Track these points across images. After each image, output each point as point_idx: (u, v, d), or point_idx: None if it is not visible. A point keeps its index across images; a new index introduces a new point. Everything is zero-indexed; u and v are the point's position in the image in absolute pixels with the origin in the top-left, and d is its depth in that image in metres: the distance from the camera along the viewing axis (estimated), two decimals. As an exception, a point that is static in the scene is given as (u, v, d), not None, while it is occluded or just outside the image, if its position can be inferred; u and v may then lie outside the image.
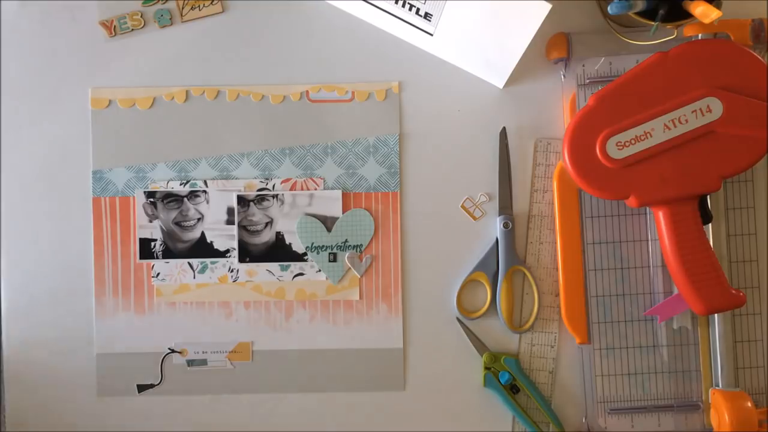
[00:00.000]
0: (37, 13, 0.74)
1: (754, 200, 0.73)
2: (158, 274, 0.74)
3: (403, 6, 0.70)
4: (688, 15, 0.66)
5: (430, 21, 0.70)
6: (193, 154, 0.75)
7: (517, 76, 0.73)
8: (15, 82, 0.74)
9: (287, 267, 0.74)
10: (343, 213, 0.74)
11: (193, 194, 0.74)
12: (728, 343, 0.71)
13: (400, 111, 0.75)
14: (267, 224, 0.74)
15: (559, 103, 0.74)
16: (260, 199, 0.74)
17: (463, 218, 0.74)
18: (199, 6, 0.74)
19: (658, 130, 0.65)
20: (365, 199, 0.75)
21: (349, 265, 0.74)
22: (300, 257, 0.74)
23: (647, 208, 0.73)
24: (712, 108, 0.65)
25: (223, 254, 0.74)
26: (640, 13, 0.67)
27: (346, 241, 0.74)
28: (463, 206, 0.74)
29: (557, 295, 0.74)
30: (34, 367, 0.74)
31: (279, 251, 0.74)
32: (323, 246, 0.74)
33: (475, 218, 0.74)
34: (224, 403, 0.74)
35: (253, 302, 0.75)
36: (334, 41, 0.75)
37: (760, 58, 0.66)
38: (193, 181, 0.74)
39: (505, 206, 0.74)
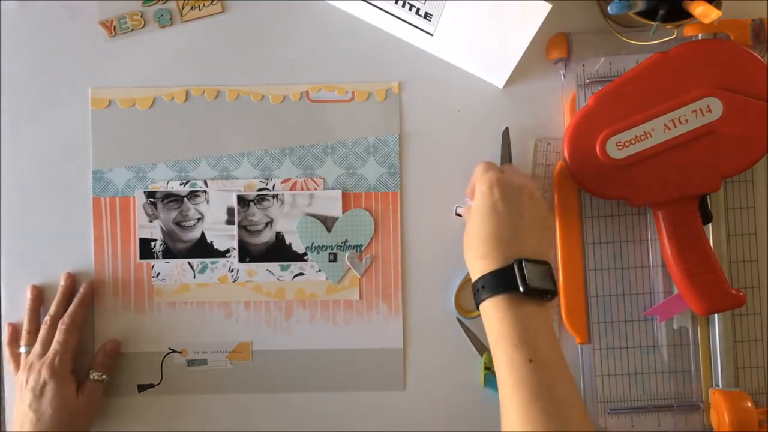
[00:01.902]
0: (37, 13, 0.74)
1: (754, 200, 0.73)
2: (158, 274, 0.74)
3: (403, 6, 0.70)
4: (688, 15, 0.66)
5: (430, 21, 0.70)
6: (193, 154, 0.75)
7: (517, 76, 0.73)
8: (15, 82, 0.74)
9: (287, 267, 0.75)
10: (343, 213, 0.74)
11: (193, 194, 0.74)
12: (728, 343, 0.71)
13: (400, 111, 0.75)
14: (267, 224, 0.75)
15: (559, 103, 0.74)
16: (260, 199, 0.74)
17: (463, 218, 0.74)
18: (199, 6, 0.74)
19: (658, 130, 0.65)
20: (365, 199, 0.75)
21: (349, 265, 0.74)
22: (300, 257, 0.74)
23: (647, 208, 0.73)
24: (712, 108, 0.65)
25: (223, 254, 0.74)
26: (640, 13, 0.67)
27: (346, 241, 0.74)
28: (457, 214, 0.74)
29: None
30: (34, 367, 0.74)
31: (279, 251, 0.74)
32: (323, 246, 0.74)
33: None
34: (224, 403, 0.74)
35: (253, 302, 0.75)
36: (334, 41, 0.75)
37: (760, 58, 0.66)
38: (193, 181, 0.74)
39: (505, 206, 0.74)
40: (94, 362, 0.72)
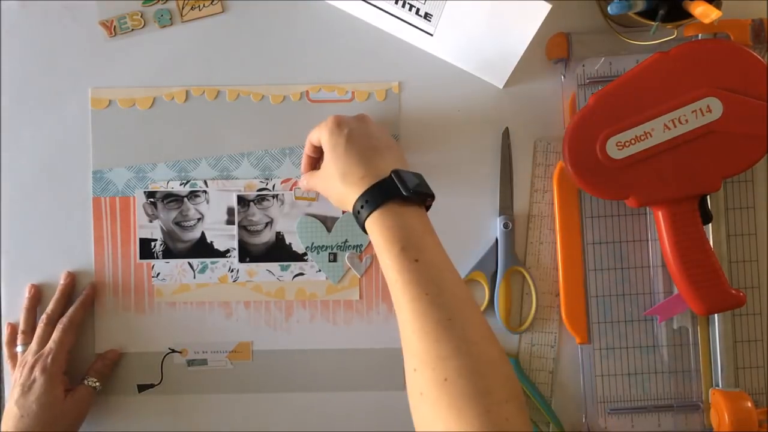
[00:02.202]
0: (37, 13, 0.74)
1: (754, 200, 0.73)
2: (158, 274, 0.74)
3: (403, 6, 0.70)
4: (688, 15, 0.66)
5: (430, 21, 0.70)
6: (193, 154, 0.75)
7: (517, 76, 0.73)
8: (15, 82, 0.74)
9: (287, 267, 0.75)
10: (343, 213, 0.74)
11: (193, 194, 0.75)
12: (728, 343, 0.71)
13: (400, 111, 0.75)
14: (267, 224, 0.75)
15: (559, 103, 0.74)
16: (260, 199, 0.75)
17: (463, 218, 0.74)
18: (199, 6, 0.74)
19: (658, 130, 0.65)
20: (365, 199, 0.74)
21: (349, 265, 0.74)
22: (300, 257, 0.74)
23: (647, 208, 0.73)
24: (712, 108, 0.65)
25: (223, 254, 0.74)
26: (640, 13, 0.67)
27: (346, 241, 0.74)
28: (299, 197, 0.74)
29: (557, 295, 0.74)
30: (34, 367, 0.74)
31: (279, 251, 0.74)
32: (323, 246, 0.74)
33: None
34: (224, 403, 0.74)
35: (253, 302, 0.75)
36: (334, 41, 0.75)
37: (760, 58, 0.66)
38: (193, 181, 0.74)
39: (506, 206, 0.74)
40: (91, 367, 0.72)
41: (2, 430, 0.66)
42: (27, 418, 0.65)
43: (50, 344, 0.69)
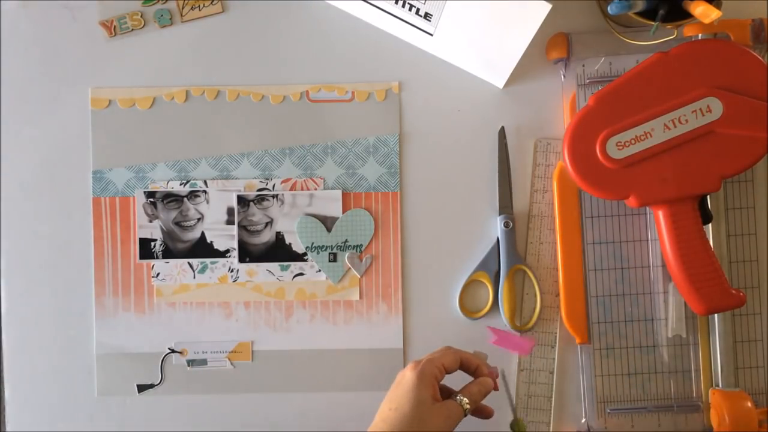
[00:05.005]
0: (37, 13, 0.74)
1: (754, 200, 0.73)
2: (158, 274, 0.74)
3: (403, 6, 0.70)
4: (688, 15, 0.66)
5: (430, 21, 0.70)
6: (193, 154, 0.75)
7: (517, 76, 0.73)
8: (15, 82, 0.74)
9: (287, 267, 0.75)
10: (343, 213, 0.74)
11: (193, 194, 0.75)
12: (728, 343, 0.71)
13: (400, 111, 0.75)
14: (267, 224, 0.75)
15: (559, 103, 0.74)
16: (260, 199, 0.74)
17: (463, 218, 0.74)
18: (199, 6, 0.74)
19: (658, 130, 0.65)
20: (365, 199, 0.75)
21: (349, 265, 0.74)
22: (300, 257, 0.74)
23: (647, 208, 0.73)
24: (712, 108, 0.65)
25: (223, 254, 0.74)
26: (640, 13, 0.67)
27: (346, 241, 0.74)
28: None
29: (557, 295, 0.74)
30: (34, 367, 0.74)
31: (279, 251, 0.74)
32: (323, 246, 0.74)
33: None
34: (224, 403, 0.74)
35: (253, 302, 0.75)
36: (334, 41, 0.75)
37: (760, 58, 0.66)
38: (193, 181, 0.74)
39: (506, 205, 0.74)
40: (465, 387, 0.66)
41: (376, 420, 0.65)
42: (394, 412, 0.63)
43: (434, 353, 0.66)
